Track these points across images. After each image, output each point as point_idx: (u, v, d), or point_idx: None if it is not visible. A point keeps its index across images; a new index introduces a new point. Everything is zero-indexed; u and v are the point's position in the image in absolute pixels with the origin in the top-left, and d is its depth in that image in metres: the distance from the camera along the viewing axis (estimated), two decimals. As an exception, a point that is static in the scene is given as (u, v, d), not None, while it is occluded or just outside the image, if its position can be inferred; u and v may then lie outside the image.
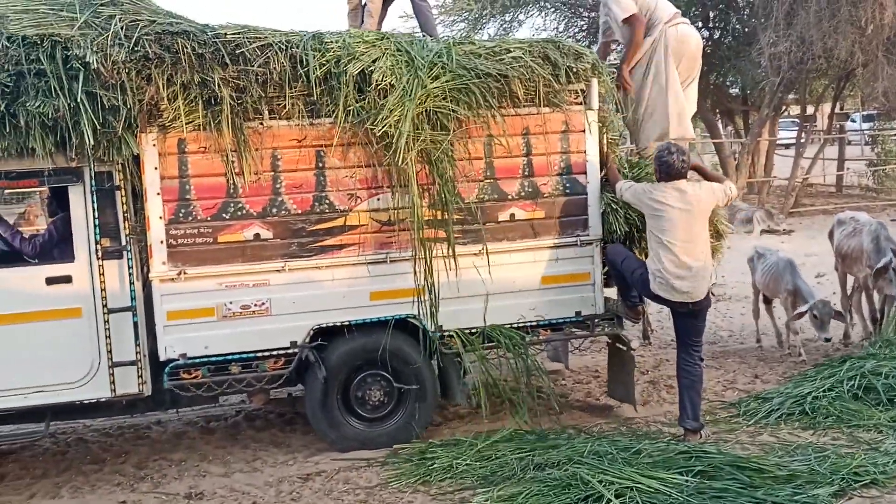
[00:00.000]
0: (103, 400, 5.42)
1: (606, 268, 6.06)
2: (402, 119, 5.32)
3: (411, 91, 5.35)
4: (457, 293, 5.72)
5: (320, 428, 5.81)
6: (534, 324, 5.94)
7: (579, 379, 7.49)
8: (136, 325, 5.38)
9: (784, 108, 21.51)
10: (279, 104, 5.36)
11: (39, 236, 5.70)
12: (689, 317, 5.72)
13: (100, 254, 5.30)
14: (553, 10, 19.14)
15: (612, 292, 6.30)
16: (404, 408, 5.86)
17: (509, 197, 5.83)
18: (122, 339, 5.34)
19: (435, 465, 5.36)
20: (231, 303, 5.45)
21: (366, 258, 5.62)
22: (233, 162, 5.35)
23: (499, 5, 17.19)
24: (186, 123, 5.18)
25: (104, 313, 5.32)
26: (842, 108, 26.32)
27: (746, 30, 18.80)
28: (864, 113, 28.65)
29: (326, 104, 5.40)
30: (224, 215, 5.40)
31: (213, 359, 5.46)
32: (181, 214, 5.34)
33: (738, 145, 19.92)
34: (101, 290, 5.31)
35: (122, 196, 5.33)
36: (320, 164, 5.52)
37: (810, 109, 20.41)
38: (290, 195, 5.49)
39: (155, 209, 5.28)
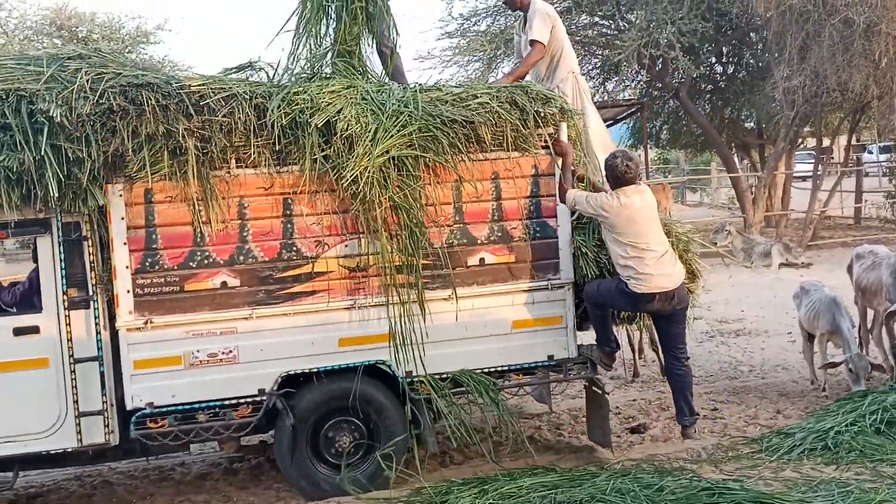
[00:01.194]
0: (70, 450, 5.38)
1: (584, 306, 6.03)
2: (368, 167, 5.37)
3: (376, 139, 5.37)
4: (426, 338, 5.69)
5: (290, 475, 5.75)
6: (505, 368, 5.91)
7: (562, 421, 7.39)
8: (102, 374, 5.39)
9: (800, 140, 21.52)
10: (246, 153, 5.40)
11: (20, 285, 5.67)
12: (672, 322, 5.93)
13: (67, 304, 5.33)
14: (566, 48, 19.25)
15: (587, 337, 6.30)
16: (375, 454, 5.75)
17: (479, 241, 5.83)
18: (89, 388, 5.35)
19: (457, 504, 5.35)
20: (198, 351, 5.45)
21: (334, 304, 5.61)
22: (199, 211, 5.38)
23: (512, 45, 17.29)
24: (152, 174, 5.23)
25: (70, 363, 5.35)
26: (858, 140, 26.25)
27: (760, 64, 18.87)
28: (881, 144, 28.63)
29: (292, 152, 5.45)
30: (191, 264, 5.42)
31: (180, 407, 5.44)
32: (148, 263, 5.37)
33: (754, 179, 19.89)
34: (68, 340, 5.33)
35: (89, 246, 5.36)
36: (287, 212, 5.54)
37: (826, 142, 20.35)
38: (257, 243, 5.51)
39: (122, 259, 5.31)
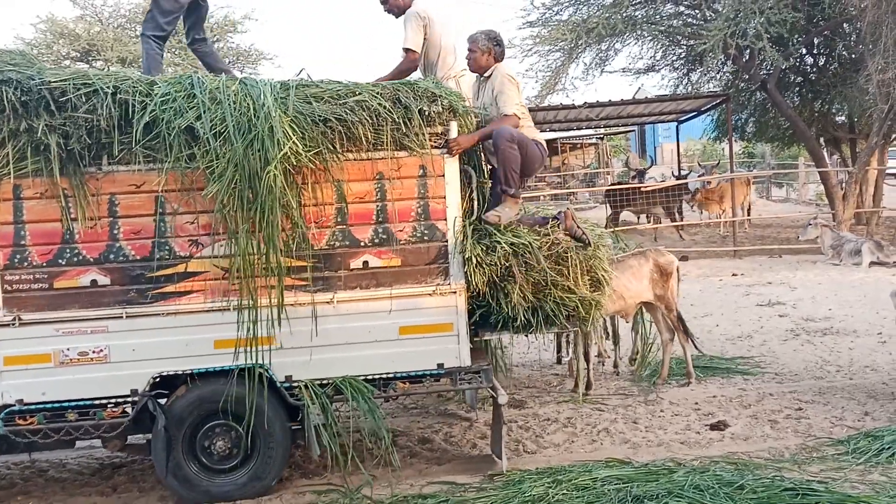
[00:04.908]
0: None
1: (478, 314, 5.85)
2: (229, 166, 5.19)
3: (243, 137, 5.19)
4: (307, 343, 5.53)
5: (165, 478, 5.59)
6: (391, 375, 5.69)
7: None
8: None
9: (894, 136, 20.75)
10: (121, 149, 5.28)
11: None
12: None
13: None
14: (650, 38, 18.97)
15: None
16: (254, 459, 5.62)
17: (362, 244, 5.62)
18: None
19: (530, 495, 5.26)
20: (69, 349, 5.35)
21: (210, 305, 5.46)
22: (69, 208, 5.29)
23: (594, 35, 17.10)
24: (16, 170, 5.16)
25: None
26: (956, 136, 25.20)
27: (853, 56, 18.25)
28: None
29: (161, 149, 5.29)
30: (60, 261, 5.33)
31: (51, 405, 5.35)
32: (17, 260, 5.29)
33: (844, 174, 19.26)
34: None
35: None
36: (160, 210, 5.40)
37: (922, 137, 19.61)
38: (128, 241, 5.39)
39: None
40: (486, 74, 6.30)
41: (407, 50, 6.37)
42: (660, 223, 19.17)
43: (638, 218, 19.88)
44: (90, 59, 24.66)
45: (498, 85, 6.15)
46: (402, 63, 6.37)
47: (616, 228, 18.41)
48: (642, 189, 19.09)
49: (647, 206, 19.15)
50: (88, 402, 5.41)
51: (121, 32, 24.86)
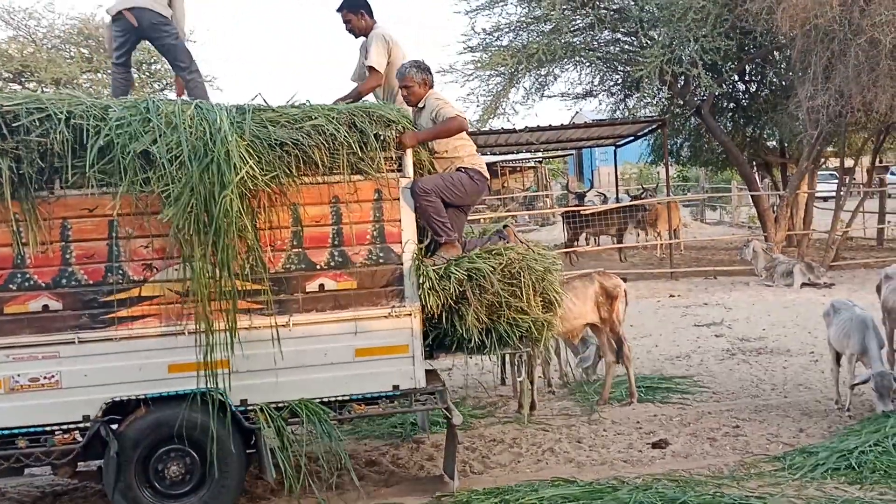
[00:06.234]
0: None
1: (434, 335, 5.90)
2: (184, 189, 5.17)
3: (199, 161, 5.18)
4: (262, 366, 5.52)
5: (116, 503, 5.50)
6: (347, 398, 5.71)
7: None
8: None
9: (823, 160, 21.44)
10: (73, 173, 5.24)
11: None
12: None
13: None
14: (588, 64, 19.35)
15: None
16: (208, 484, 5.55)
17: (318, 267, 5.64)
18: None
19: (478, 515, 5.35)
20: (19, 375, 5.26)
21: (163, 329, 5.41)
22: (20, 232, 5.22)
23: (534, 60, 17.37)
24: None
25: None
26: (881, 162, 26.12)
27: (784, 83, 18.83)
28: (905, 166, 28.49)
29: (115, 173, 5.25)
30: (10, 286, 5.25)
31: (0, 432, 5.27)
32: None
33: (776, 198, 19.83)
34: None
35: None
36: (113, 234, 5.36)
37: (849, 162, 20.26)
38: (80, 265, 5.33)
39: None
40: (419, 105, 6.30)
41: (372, 69, 6.45)
42: (598, 244, 19.48)
43: (578, 240, 20.14)
44: (23, 80, 24.14)
45: (434, 107, 6.16)
46: (369, 81, 6.48)
47: (575, 249, 18.70)
48: (599, 210, 19.34)
49: (604, 228, 19.43)
50: (39, 429, 5.33)
51: (55, 53, 24.39)
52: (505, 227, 6.47)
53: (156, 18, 6.41)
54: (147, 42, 6.95)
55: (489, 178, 6.47)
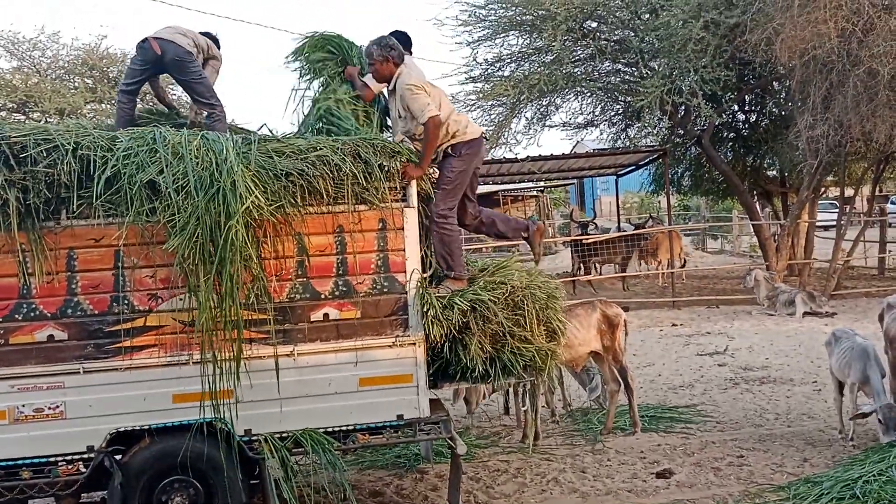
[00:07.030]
0: None
1: (438, 364, 5.88)
2: (191, 219, 5.21)
3: (205, 191, 5.22)
4: (267, 396, 5.52)
5: None
6: (351, 428, 5.68)
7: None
8: None
9: (823, 190, 21.50)
10: (80, 203, 5.25)
11: None
12: None
13: None
14: (589, 94, 19.50)
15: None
16: None
17: (322, 296, 5.65)
18: None
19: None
20: (24, 406, 5.26)
21: (167, 360, 5.42)
22: (26, 262, 5.24)
23: (536, 90, 17.51)
24: None
25: None
26: (881, 191, 26.22)
27: (783, 113, 18.94)
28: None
29: (121, 204, 5.28)
30: (16, 316, 5.25)
31: (4, 463, 5.25)
32: None
33: (777, 227, 19.88)
34: None
35: None
36: (119, 264, 5.37)
37: (849, 192, 20.33)
38: (86, 295, 5.33)
39: None
40: (390, 86, 6.26)
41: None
42: (601, 274, 19.51)
43: (587, 269, 20.14)
44: (27, 110, 24.31)
45: (405, 97, 6.06)
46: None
47: (578, 278, 18.68)
48: (607, 239, 19.38)
49: (610, 256, 19.46)
50: (43, 459, 5.31)
51: (59, 84, 24.59)
52: (534, 221, 6.55)
53: (180, 53, 6.46)
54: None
55: (480, 132, 6.37)
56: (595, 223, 21.19)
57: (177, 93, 15.08)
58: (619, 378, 8.18)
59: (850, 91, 13.93)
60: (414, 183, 5.83)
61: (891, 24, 13.20)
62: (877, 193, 21.57)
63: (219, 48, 7.02)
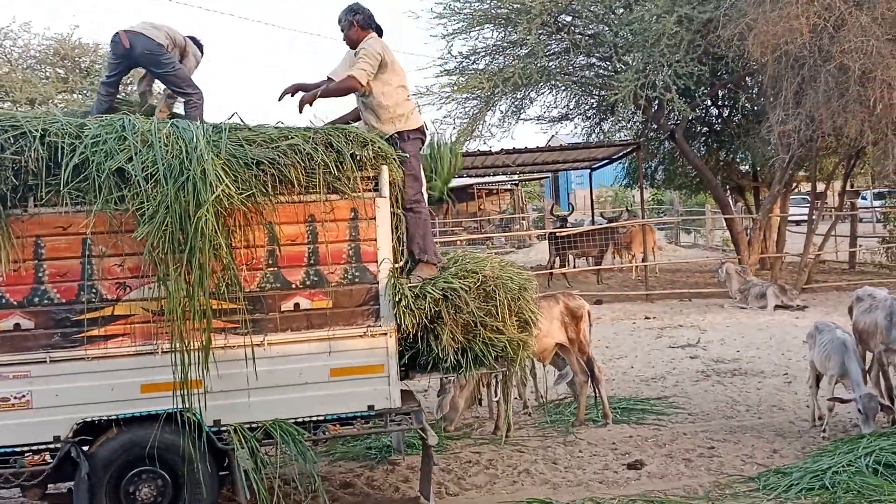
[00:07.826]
0: None
1: (409, 355, 5.86)
2: (160, 208, 5.15)
3: (175, 179, 5.17)
4: (237, 386, 5.47)
5: None
6: (321, 418, 5.66)
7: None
8: None
9: (794, 184, 21.67)
10: (48, 191, 5.18)
11: None
12: None
13: None
14: (564, 88, 19.52)
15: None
16: None
17: (293, 286, 5.62)
18: None
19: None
20: None
21: (136, 349, 5.36)
22: None
23: (510, 84, 17.51)
24: None
25: None
26: (852, 186, 26.48)
27: (755, 108, 19.05)
28: (876, 191, 28.87)
29: (90, 191, 5.21)
30: None
31: None
32: None
33: (749, 221, 20.03)
34: None
35: None
36: (86, 252, 5.30)
37: (821, 186, 20.51)
38: (53, 284, 5.27)
39: None
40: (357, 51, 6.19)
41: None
42: (575, 267, 19.56)
43: (564, 262, 20.15)
44: (-3, 99, 24.03)
45: (357, 55, 6.08)
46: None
47: (553, 271, 18.69)
48: (584, 231, 19.40)
49: (587, 249, 19.51)
50: (8, 449, 5.25)
51: (30, 73, 24.30)
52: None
53: (151, 46, 6.37)
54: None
55: (422, 123, 6.37)
56: (566, 218, 21.26)
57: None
58: (587, 369, 8.20)
59: (822, 86, 14.03)
60: (385, 172, 5.79)
61: (862, 20, 13.31)
62: (847, 188, 21.72)
63: (202, 53, 6.95)
